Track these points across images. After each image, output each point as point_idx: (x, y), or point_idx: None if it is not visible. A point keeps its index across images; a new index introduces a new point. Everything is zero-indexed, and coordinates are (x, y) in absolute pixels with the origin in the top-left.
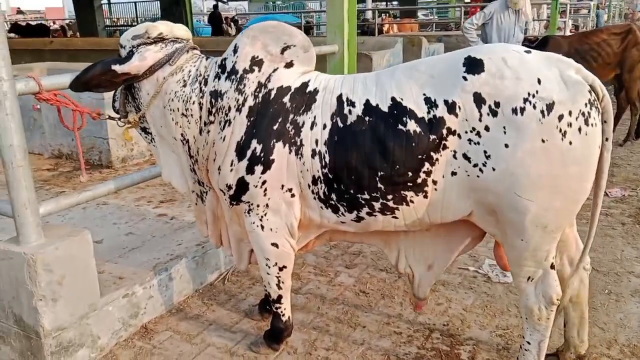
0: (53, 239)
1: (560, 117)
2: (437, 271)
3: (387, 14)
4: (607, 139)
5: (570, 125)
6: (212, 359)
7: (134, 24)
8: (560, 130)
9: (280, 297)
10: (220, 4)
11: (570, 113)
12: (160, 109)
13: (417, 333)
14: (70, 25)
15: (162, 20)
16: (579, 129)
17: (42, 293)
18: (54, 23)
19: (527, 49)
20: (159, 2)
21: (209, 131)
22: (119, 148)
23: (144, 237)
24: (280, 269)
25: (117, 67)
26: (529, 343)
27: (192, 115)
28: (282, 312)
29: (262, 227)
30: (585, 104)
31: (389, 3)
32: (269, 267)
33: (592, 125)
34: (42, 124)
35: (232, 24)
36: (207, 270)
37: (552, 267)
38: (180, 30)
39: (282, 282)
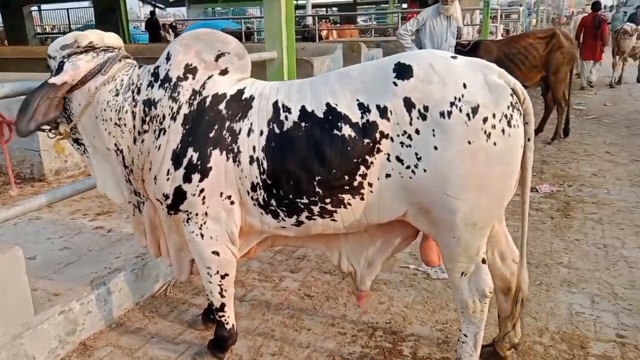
0: None
1: (485, 120)
2: (376, 267)
3: (326, 20)
4: (529, 139)
5: (494, 127)
6: None
7: (66, 31)
8: (485, 132)
9: (223, 305)
10: (157, 10)
11: (494, 115)
12: (92, 119)
13: (361, 332)
14: None
15: (97, 27)
16: (503, 131)
17: None
18: None
19: (453, 54)
20: (92, 8)
21: (143, 140)
22: (51, 160)
23: (80, 252)
24: (223, 277)
25: (55, 80)
26: (465, 335)
27: (125, 124)
28: (225, 320)
29: (202, 235)
30: (508, 107)
31: (328, 9)
32: (211, 275)
33: (514, 126)
34: None
35: (170, 30)
36: (147, 282)
37: (484, 261)
38: (111, 38)
39: (225, 290)
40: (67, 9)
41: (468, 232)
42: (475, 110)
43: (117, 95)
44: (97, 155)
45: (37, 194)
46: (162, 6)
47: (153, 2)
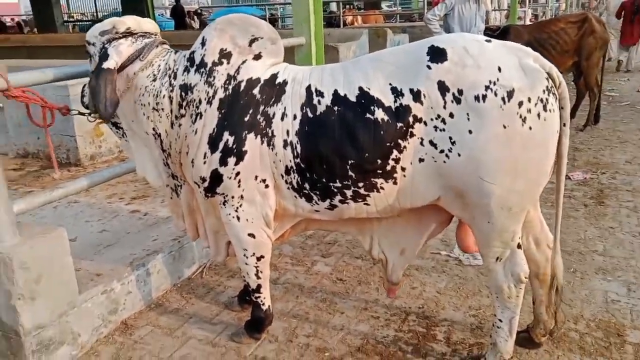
0: (28, 237)
1: (520, 104)
2: (409, 255)
3: (351, 6)
4: (564, 124)
5: (529, 111)
6: (194, 351)
7: (93, 19)
8: (520, 116)
9: (259, 286)
10: None
11: (529, 100)
12: (130, 104)
13: (394, 317)
14: (26, 21)
15: (123, 14)
16: (538, 115)
17: (20, 292)
18: (12, 20)
19: (487, 38)
20: None
21: (180, 124)
22: (87, 145)
23: (119, 234)
24: (259, 259)
25: (109, 64)
26: (500, 320)
27: (162, 109)
28: (262, 301)
29: (238, 218)
30: (543, 91)
31: None
32: (247, 257)
33: (550, 111)
34: (6, 124)
35: (195, 17)
36: (184, 265)
37: (519, 246)
38: (147, 24)
39: (261, 272)
40: None
41: (503, 217)
42: (510, 94)
43: (154, 80)
44: (135, 139)
45: (75, 178)
46: None
47: None
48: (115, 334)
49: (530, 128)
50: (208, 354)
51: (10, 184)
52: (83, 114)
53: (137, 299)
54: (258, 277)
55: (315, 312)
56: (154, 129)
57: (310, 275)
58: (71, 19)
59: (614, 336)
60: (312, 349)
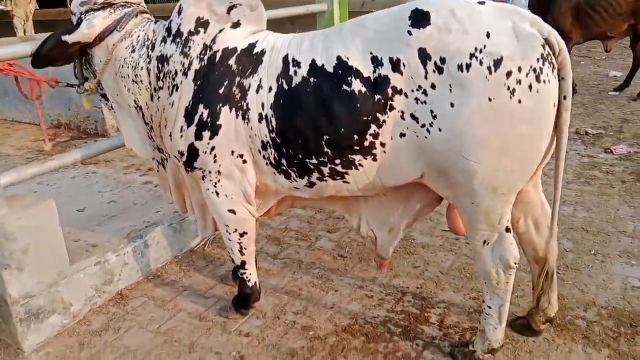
0: (16, 208)
1: (509, 74)
2: (397, 233)
3: None
4: (565, 97)
5: (519, 82)
6: (181, 324)
7: None
8: (509, 88)
9: (244, 262)
10: None
11: (519, 69)
12: (112, 75)
13: (389, 296)
14: None
15: None
16: (530, 86)
17: (6, 262)
18: None
19: (480, 0)
20: None
21: (159, 97)
22: (113, 117)
23: (126, 205)
24: (241, 235)
25: (66, 37)
26: (489, 307)
27: (141, 81)
28: (247, 277)
29: (217, 193)
30: (538, 59)
31: None
32: (230, 233)
33: (544, 81)
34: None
35: None
36: (186, 237)
37: (508, 230)
38: None
39: (245, 248)
40: None
41: (488, 198)
42: (497, 62)
43: (133, 51)
44: (122, 111)
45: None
46: None
47: None
48: (110, 304)
49: (519, 101)
50: (195, 327)
51: (38, 154)
52: (72, 86)
53: (133, 270)
54: (242, 254)
55: (309, 288)
56: (135, 101)
57: (312, 251)
58: None
59: (626, 326)
60: (298, 327)
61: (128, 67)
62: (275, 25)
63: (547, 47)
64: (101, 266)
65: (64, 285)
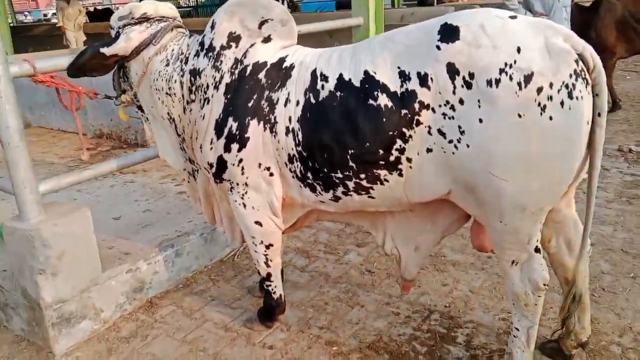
0: (53, 215)
1: (540, 90)
2: (424, 252)
3: None
4: (599, 115)
5: (550, 98)
6: (207, 334)
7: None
8: (539, 104)
9: (269, 274)
10: None
11: (551, 85)
12: (148, 88)
13: (416, 314)
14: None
15: None
16: (562, 103)
17: (41, 267)
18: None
19: (513, 14)
20: None
21: (191, 110)
22: (148, 128)
23: (160, 215)
24: (267, 247)
25: (105, 50)
26: (517, 329)
27: (175, 94)
28: (272, 289)
29: (244, 205)
30: (570, 75)
31: None
32: (256, 245)
33: (577, 98)
34: (85, 104)
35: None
36: (216, 247)
37: (537, 250)
38: (165, 8)
39: (270, 260)
40: None
41: (517, 217)
42: (528, 78)
43: (167, 65)
44: (156, 122)
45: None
46: None
47: None
48: (139, 312)
49: (550, 118)
50: (220, 338)
51: (80, 163)
52: (110, 98)
53: (164, 279)
54: (267, 265)
55: (335, 303)
56: (168, 113)
57: (340, 265)
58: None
59: None
60: (322, 342)
61: (162, 80)
62: (314, 39)
63: (580, 63)
64: (132, 274)
65: (95, 291)
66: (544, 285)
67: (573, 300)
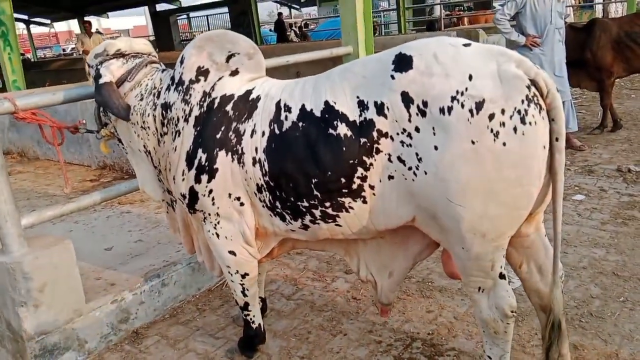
0: (35, 248)
1: (491, 116)
2: (398, 278)
3: (460, 8)
4: (557, 139)
5: (503, 124)
6: None
7: None
8: (492, 131)
9: (247, 304)
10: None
11: (502, 111)
12: (124, 122)
13: (398, 342)
14: (151, 41)
15: (232, 30)
16: (514, 129)
17: (23, 300)
18: None
19: (467, 42)
20: (228, 14)
21: (164, 142)
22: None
23: (150, 244)
24: (243, 277)
25: (104, 79)
26: (489, 358)
27: (149, 127)
28: (251, 319)
29: (217, 235)
30: (522, 101)
31: None
32: (232, 274)
33: (530, 124)
34: (88, 137)
35: (292, 30)
36: (204, 276)
37: (502, 276)
38: (139, 44)
39: (247, 289)
40: (207, 16)
41: (477, 244)
42: (479, 105)
43: (141, 99)
44: (134, 155)
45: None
46: (297, 7)
47: (288, 4)
48: (125, 342)
49: (504, 144)
50: None
51: (83, 194)
52: (91, 132)
53: (150, 309)
54: (244, 295)
55: (318, 332)
56: (144, 146)
57: (327, 292)
58: (187, 38)
59: None
60: None
61: (137, 114)
62: (322, 65)
63: (533, 89)
64: (117, 304)
65: (79, 322)
66: (512, 312)
67: (552, 328)
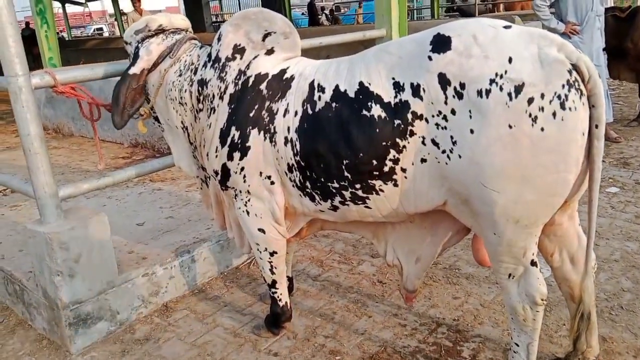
0: (72, 220)
1: (530, 100)
2: (424, 265)
3: None
4: (596, 126)
5: (542, 109)
6: (217, 339)
7: None
8: (530, 115)
9: (274, 282)
10: None
11: (542, 96)
12: (163, 99)
13: (423, 326)
14: None
15: None
16: (554, 114)
17: (59, 269)
18: None
19: (507, 24)
20: None
21: (200, 119)
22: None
23: (181, 221)
24: (271, 254)
25: (133, 70)
26: (517, 345)
27: (186, 103)
28: (278, 296)
29: (248, 212)
30: (563, 86)
31: None
32: (260, 252)
33: (570, 109)
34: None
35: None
36: (232, 254)
37: (533, 264)
38: (178, 20)
39: (275, 267)
40: None
41: (510, 230)
42: (518, 89)
43: (180, 75)
44: (171, 132)
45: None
46: None
47: None
48: (154, 315)
49: (542, 129)
50: (228, 343)
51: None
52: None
53: (180, 284)
54: (272, 273)
55: (343, 312)
56: (182, 122)
57: (352, 275)
58: (218, 20)
59: None
60: (326, 351)
61: (175, 90)
62: (352, 48)
63: (574, 73)
64: (149, 278)
65: (112, 294)
66: (542, 300)
67: (582, 319)
